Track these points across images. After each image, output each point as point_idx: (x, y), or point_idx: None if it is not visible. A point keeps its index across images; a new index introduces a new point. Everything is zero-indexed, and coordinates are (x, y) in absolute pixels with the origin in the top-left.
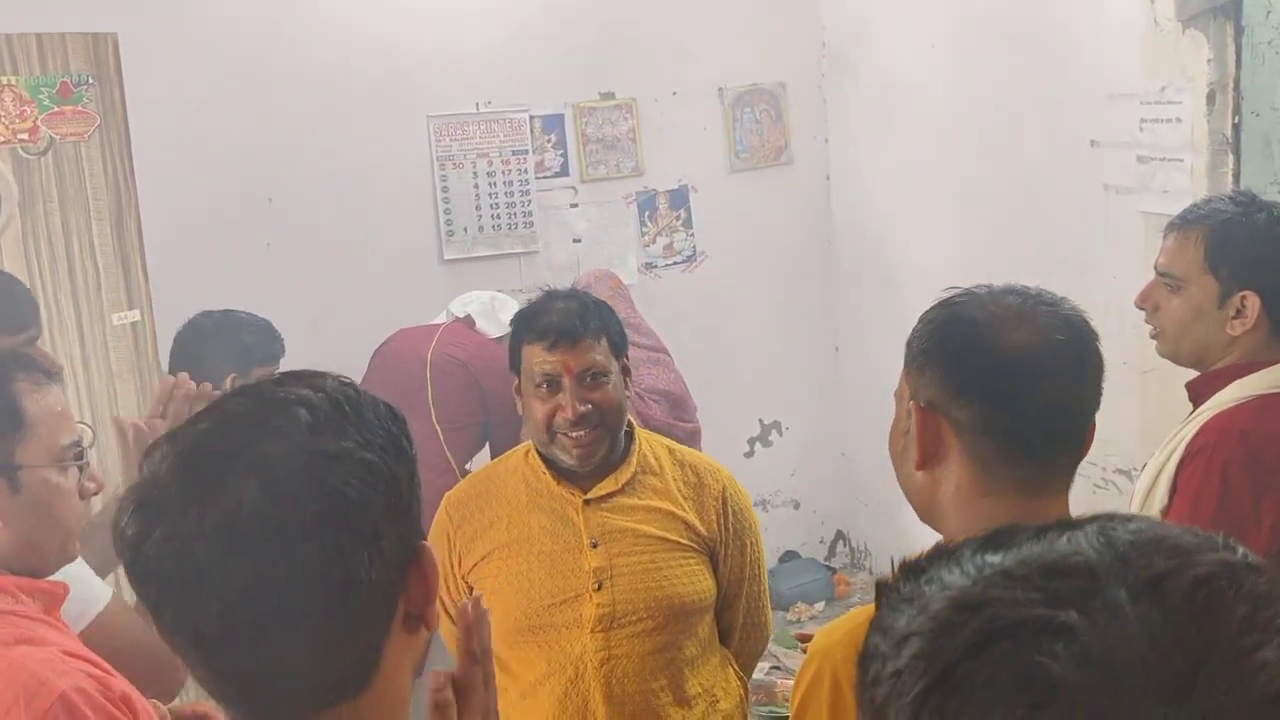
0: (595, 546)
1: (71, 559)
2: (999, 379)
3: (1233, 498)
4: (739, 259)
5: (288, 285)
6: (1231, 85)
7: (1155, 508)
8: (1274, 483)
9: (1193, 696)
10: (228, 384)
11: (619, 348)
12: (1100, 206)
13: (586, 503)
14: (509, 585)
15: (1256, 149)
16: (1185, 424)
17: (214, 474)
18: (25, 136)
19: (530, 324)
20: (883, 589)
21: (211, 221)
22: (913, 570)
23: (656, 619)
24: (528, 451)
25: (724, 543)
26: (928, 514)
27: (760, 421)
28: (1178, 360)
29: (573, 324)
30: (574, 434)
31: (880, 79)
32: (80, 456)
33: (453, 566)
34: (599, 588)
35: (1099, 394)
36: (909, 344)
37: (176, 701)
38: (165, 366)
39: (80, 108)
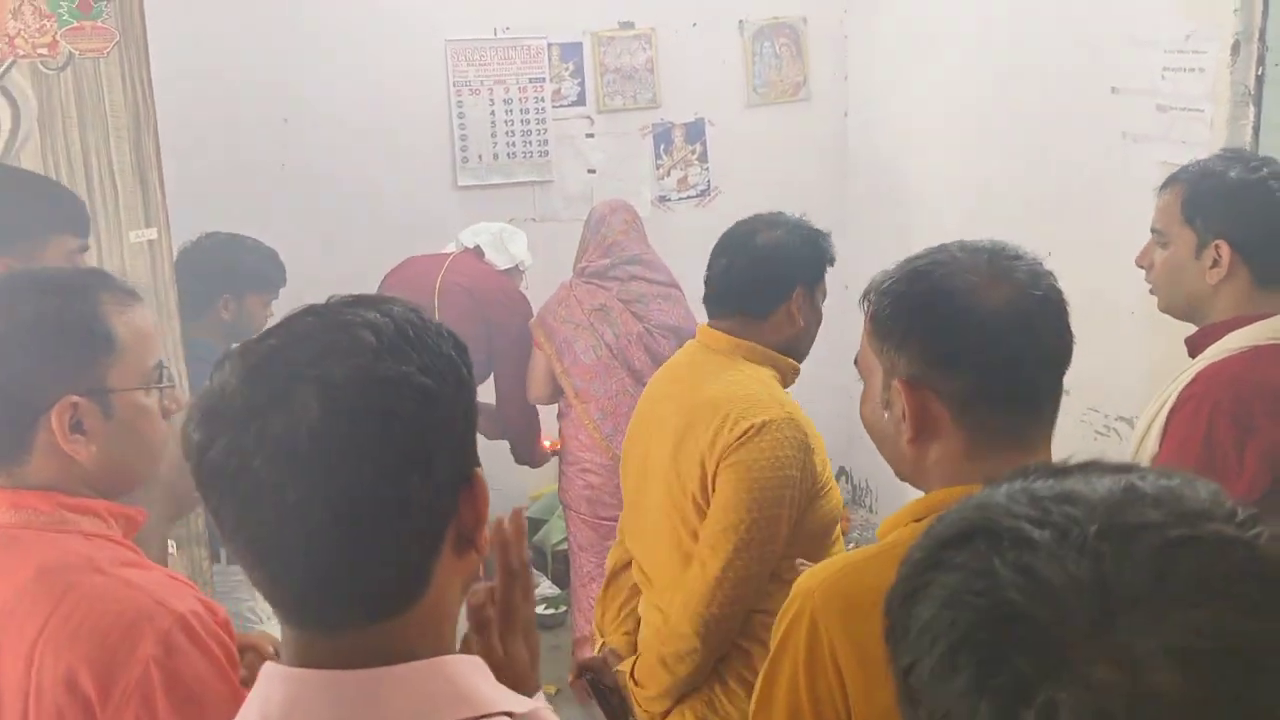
0: None
1: (152, 478)
2: (989, 344)
3: (1217, 445)
4: (754, 195)
5: (302, 206)
6: (1257, 36)
7: (1148, 453)
8: (1259, 432)
9: (1106, 631)
10: (220, 305)
11: None
12: (1118, 154)
13: None
14: None
15: (1278, 102)
16: (1181, 373)
17: (277, 389)
18: (45, 51)
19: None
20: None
21: (227, 141)
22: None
23: None
24: None
25: None
26: (914, 478)
27: None
28: (1174, 314)
29: None
30: None
31: (903, 17)
32: (165, 377)
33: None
34: None
35: (1073, 339)
36: (877, 319)
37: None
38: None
39: (100, 23)
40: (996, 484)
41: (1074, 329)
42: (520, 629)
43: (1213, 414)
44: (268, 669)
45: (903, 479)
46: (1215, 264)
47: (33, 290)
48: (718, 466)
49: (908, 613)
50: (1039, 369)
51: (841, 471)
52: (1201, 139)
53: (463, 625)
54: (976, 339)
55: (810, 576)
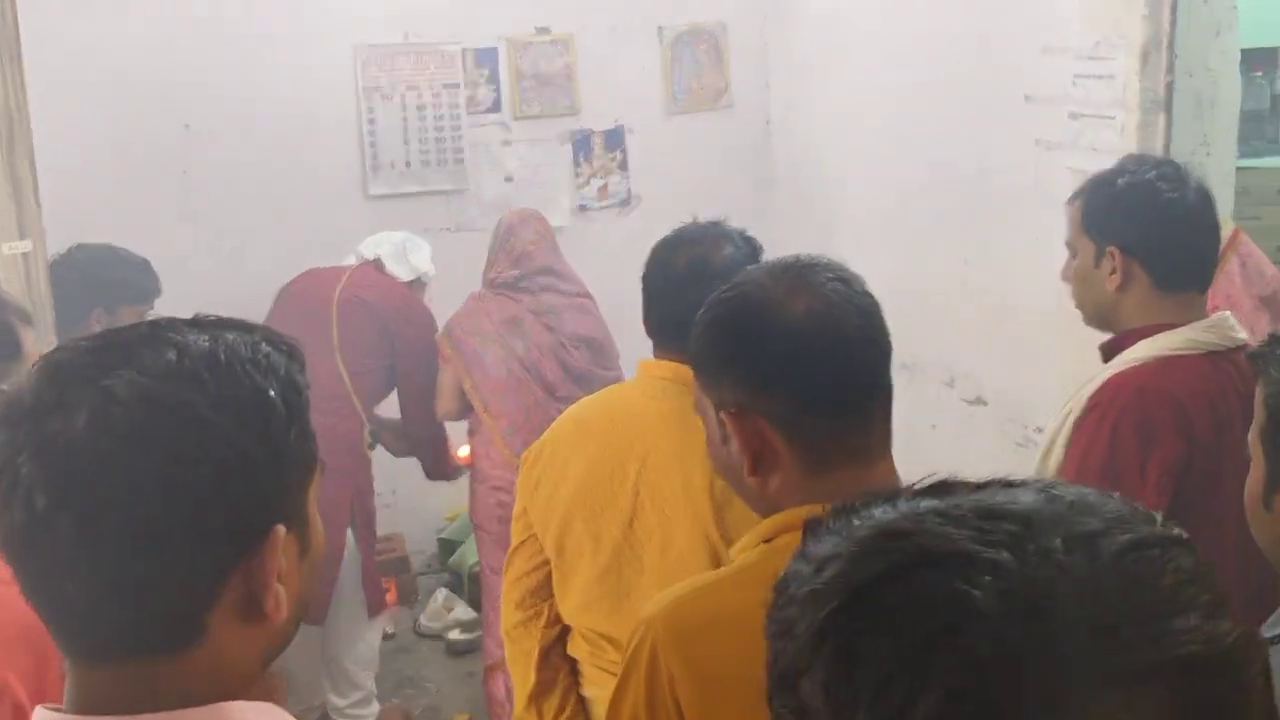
0: None
1: None
2: (799, 359)
3: (1120, 454)
4: (676, 203)
5: (206, 213)
6: (1165, 44)
7: (1053, 461)
8: (1163, 444)
9: (1108, 647)
10: (93, 318)
11: None
12: (1031, 161)
13: None
14: None
15: (1188, 109)
16: (1088, 381)
17: (61, 393)
18: None
19: None
20: (810, 525)
21: (123, 148)
22: (844, 510)
23: None
24: None
25: None
26: (763, 507)
27: None
28: (1095, 325)
29: None
30: None
31: (821, 23)
32: None
33: None
34: None
35: (889, 338)
36: (694, 355)
37: None
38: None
39: None
40: (855, 510)
41: (989, 338)
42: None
43: (1116, 424)
44: (38, 714)
45: (761, 514)
46: (1113, 271)
47: None
48: None
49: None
50: (854, 374)
51: None
52: (1113, 146)
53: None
54: (784, 354)
55: (654, 604)
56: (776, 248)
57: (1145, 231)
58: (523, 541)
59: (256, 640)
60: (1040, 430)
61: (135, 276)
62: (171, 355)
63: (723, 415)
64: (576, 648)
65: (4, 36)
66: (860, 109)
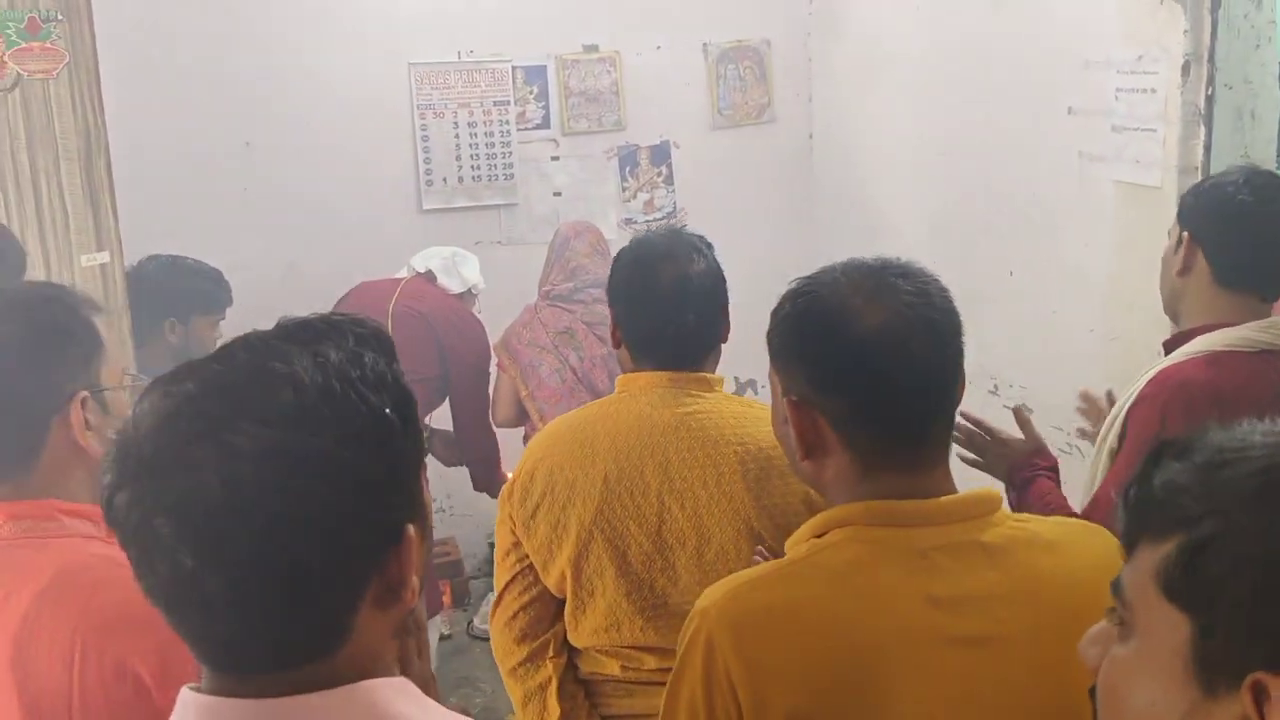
0: None
1: None
2: (862, 372)
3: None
4: (719, 217)
5: (265, 229)
6: (1206, 57)
7: (1105, 451)
8: None
9: None
10: (166, 329)
11: None
12: (1074, 173)
13: None
14: None
15: (1228, 122)
16: (1144, 374)
17: (181, 448)
18: None
19: None
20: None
21: (187, 164)
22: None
23: None
24: None
25: None
26: (818, 491)
27: (735, 379)
28: (1168, 314)
29: None
30: None
31: (864, 39)
32: (134, 380)
33: None
34: None
35: (962, 357)
36: (768, 340)
37: None
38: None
39: (48, 44)
40: None
41: (1034, 347)
42: (418, 683)
43: (1164, 414)
44: (184, 696)
45: (815, 492)
46: (1180, 254)
47: (25, 301)
48: None
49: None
50: (918, 393)
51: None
52: (1155, 159)
53: None
54: (850, 363)
55: (707, 596)
56: (818, 260)
57: (1213, 224)
58: (515, 575)
59: (391, 620)
60: (1084, 435)
61: (207, 286)
62: (288, 395)
63: (785, 400)
64: (601, 666)
65: (83, 56)
66: (903, 122)
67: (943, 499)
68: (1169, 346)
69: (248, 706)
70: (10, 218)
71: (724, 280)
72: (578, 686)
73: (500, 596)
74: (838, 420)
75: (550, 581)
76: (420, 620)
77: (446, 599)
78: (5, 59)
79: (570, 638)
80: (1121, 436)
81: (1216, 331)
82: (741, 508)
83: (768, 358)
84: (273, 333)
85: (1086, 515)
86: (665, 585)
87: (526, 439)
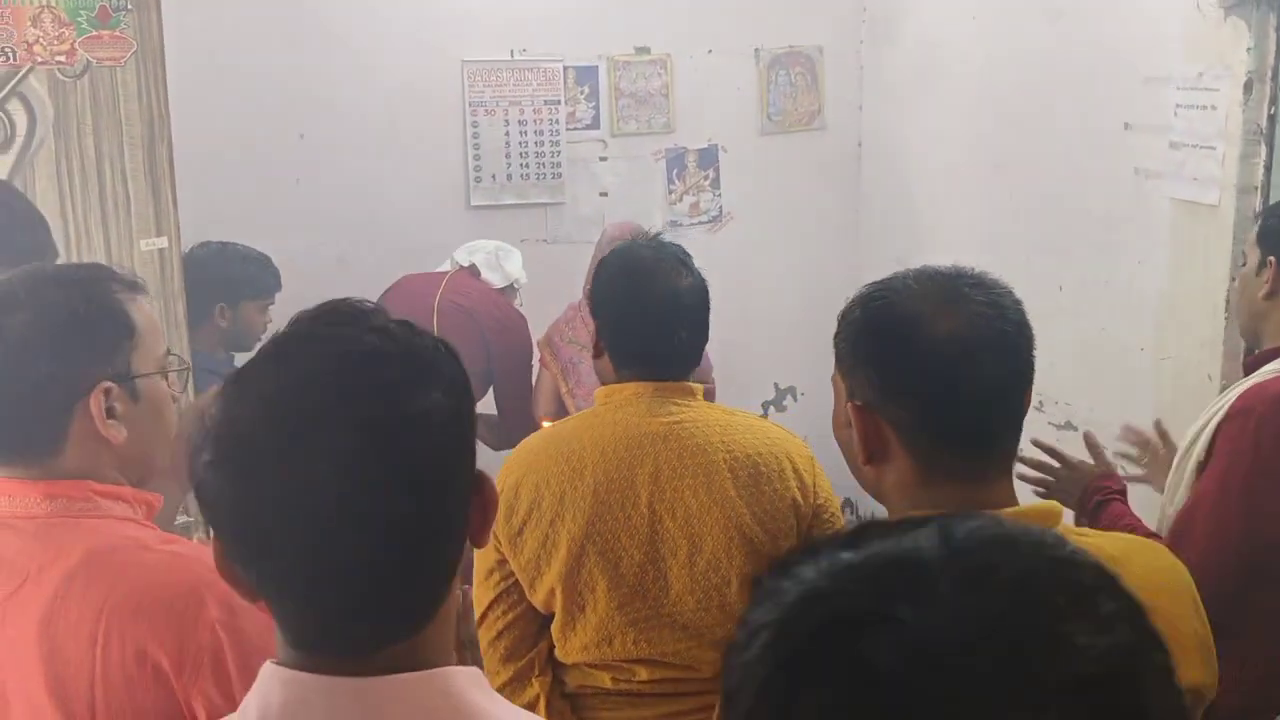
0: None
1: (167, 466)
2: (929, 380)
3: (1266, 457)
4: (765, 222)
5: (315, 221)
6: (1270, 75)
7: (1189, 466)
8: None
9: (1010, 677)
10: (216, 313)
11: None
12: (1130, 190)
13: None
14: None
15: None
16: (1231, 389)
17: (302, 433)
18: (63, 59)
19: None
20: (755, 584)
21: (242, 153)
22: (781, 565)
23: None
24: None
25: None
26: (877, 498)
27: (776, 386)
28: (1244, 336)
29: None
30: None
31: (918, 47)
32: (178, 364)
33: None
34: None
35: (1031, 370)
36: (835, 343)
37: None
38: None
39: (118, 33)
40: (799, 566)
41: (1084, 365)
42: (460, 643)
43: (1259, 428)
44: (267, 669)
45: (872, 497)
46: (1267, 280)
47: (49, 284)
48: (814, 509)
49: None
50: (983, 404)
51: (847, 503)
52: (1213, 177)
53: None
54: (918, 372)
55: None
56: (862, 268)
57: None
58: (499, 595)
59: (456, 600)
60: (1126, 458)
61: (256, 272)
62: (388, 372)
63: (849, 405)
64: (591, 679)
65: (150, 45)
66: (955, 133)
67: (1004, 511)
68: (1251, 366)
69: (332, 685)
70: (75, 201)
71: (708, 291)
72: (565, 702)
73: (483, 617)
74: (902, 427)
75: (538, 599)
76: (473, 638)
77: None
78: (76, 46)
79: (559, 654)
80: (1209, 453)
81: None
82: (734, 514)
83: (811, 364)
84: (317, 326)
85: (1175, 534)
86: (658, 595)
87: None
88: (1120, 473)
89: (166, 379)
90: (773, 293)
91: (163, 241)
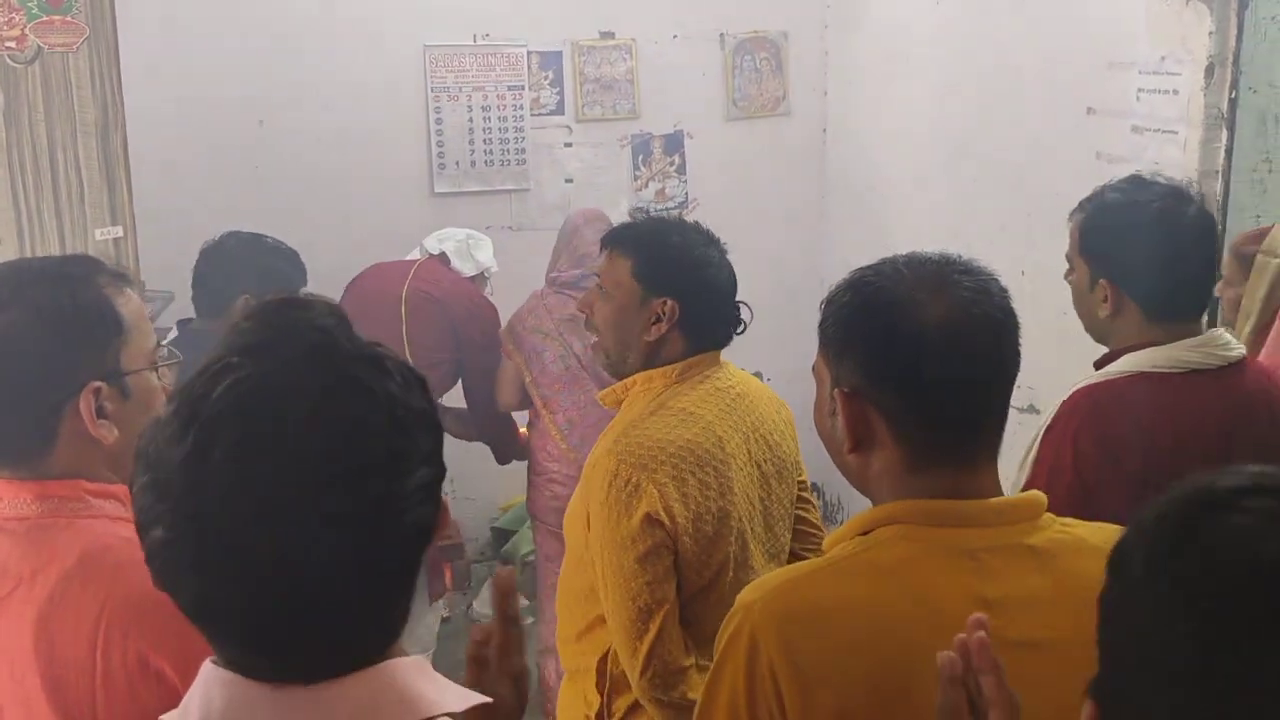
0: None
1: None
2: (918, 364)
3: (1085, 468)
4: (731, 208)
5: (276, 209)
6: (1231, 60)
7: (1029, 463)
8: (1119, 457)
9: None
10: (239, 305)
11: None
12: (1093, 174)
13: None
14: None
15: (1251, 125)
16: (1070, 390)
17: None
18: (13, 45)
19: None
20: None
21: (199, 141)
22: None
23: None
24: None
25: None
26: (862, 488)
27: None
28: (1093, 338)
29: None
30: None
31: (883, 33)
32: (167, 357)
33: None
34: None
35: (1018, 357)
36: (821, 328)
37: None
38: (145, 284)
39: (69, 18)
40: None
41: (1047, 349)
42: (511, 674)
43: (1077, 437)
44: (207, 669)
45: (856, 488)
46: (1105, 299)
47: (35, 282)
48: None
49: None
50: (974, 389)
51: (814, 488)
52: (1175, 161)
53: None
54: (908, 356)
55: (752, 590)
56: (830, 253)
57: (1138, 268)
58: (663, 593)
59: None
60: None
61: (283, 265)
62: (390, 384)
63: (835, 392)
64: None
65: (103, 30)
66: (919, 119)
67: (991, 500)
68: (1099, 365)
69: (280, 697)
70: (27, 190)
71: None
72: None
73: (659, 628)
74: (890, 413)
75: (705, 576)
76: (518, 612)
77: (448, 582)
78: (26, 32)
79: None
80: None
81: (1145, 351)
82: (793, 466)
83: (776, 348)
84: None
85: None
86: (760, 566)
87: (529, 426)
88: None
89: (157, 373)
90: (739, 277)
91: (118, 231)
